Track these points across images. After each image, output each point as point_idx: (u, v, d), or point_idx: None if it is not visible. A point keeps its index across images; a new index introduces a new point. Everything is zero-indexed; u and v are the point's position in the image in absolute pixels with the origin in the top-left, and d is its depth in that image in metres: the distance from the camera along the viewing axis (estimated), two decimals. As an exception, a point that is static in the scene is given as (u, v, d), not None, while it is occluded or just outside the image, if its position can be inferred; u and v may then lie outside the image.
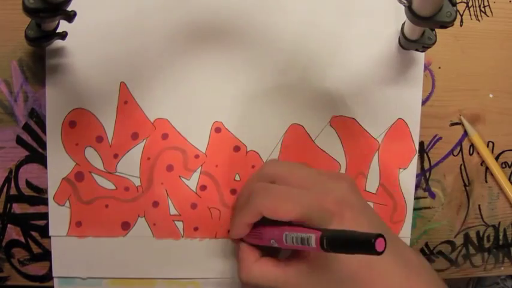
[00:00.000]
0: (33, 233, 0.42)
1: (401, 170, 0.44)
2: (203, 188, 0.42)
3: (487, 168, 0.46)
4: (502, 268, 0.47)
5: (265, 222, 0.36)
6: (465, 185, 0.46)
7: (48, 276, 0.43)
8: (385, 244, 0.27)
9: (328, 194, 0.35)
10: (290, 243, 0.33)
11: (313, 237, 0.31)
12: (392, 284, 0.34)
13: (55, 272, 0.42)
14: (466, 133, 0.46)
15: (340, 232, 0.30)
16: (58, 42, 0.39)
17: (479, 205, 0.46)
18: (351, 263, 0.34)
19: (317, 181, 0.36)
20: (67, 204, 0.41)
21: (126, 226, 0.42)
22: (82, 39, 0.40)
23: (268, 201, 0.35)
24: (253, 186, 0.37)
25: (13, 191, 0.42)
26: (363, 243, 0.28)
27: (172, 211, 0.42)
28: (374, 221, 0.37)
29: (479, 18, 0.45)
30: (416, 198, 0.45)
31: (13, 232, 0.42)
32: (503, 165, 0.46)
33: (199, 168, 0.42)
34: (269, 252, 0.38)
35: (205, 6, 0.41)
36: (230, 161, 0.42)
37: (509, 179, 0.46)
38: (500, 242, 0.47)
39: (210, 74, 0.42)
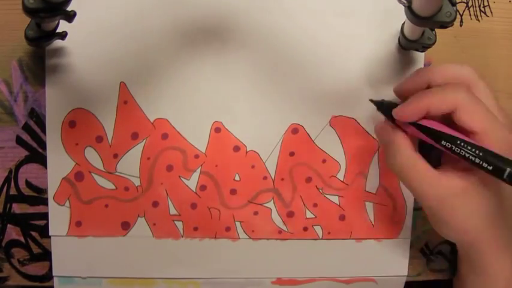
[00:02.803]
0: (33, 233, 0.42)
1: (401, 170, 0.44)
2: (203, 188, 0.42)
3: (487, 168, 0.46)
4: (502, 268, 0.47)
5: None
6: (465, 185, 0.46)
7: (48, 276, 0.43)
8: None
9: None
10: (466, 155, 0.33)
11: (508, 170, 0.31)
12: None
13: (55, 272, 0.42)
14: (466, 133, 0.46)
15: None
16: (58, 42, 0.39)
17: (479, 205, 0.46)
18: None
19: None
20: (67, 204, 0.41)
21: (126, 226, 0.42)
22: (82, 39, 0.40)
23: (475, 101, 0.34)
24: (451, 85, 0.36)
25: (13, 191, 0.42)
26: None
27: (172, 211, 0.42)
28: None
29: (479, 18, 0.45)
30: (416, 198, 0.45)
31: (13, 232, 0.42)
32: (503, 165, 0.46)
33: (199, 168, 0.42)
34: None
35: (205, 7, 0.41)
36: (230, 161, 0.42)
37: (509, 179, 0.46)
38: (500, 242, 0.47)
39: (210, 73, 0.42)
